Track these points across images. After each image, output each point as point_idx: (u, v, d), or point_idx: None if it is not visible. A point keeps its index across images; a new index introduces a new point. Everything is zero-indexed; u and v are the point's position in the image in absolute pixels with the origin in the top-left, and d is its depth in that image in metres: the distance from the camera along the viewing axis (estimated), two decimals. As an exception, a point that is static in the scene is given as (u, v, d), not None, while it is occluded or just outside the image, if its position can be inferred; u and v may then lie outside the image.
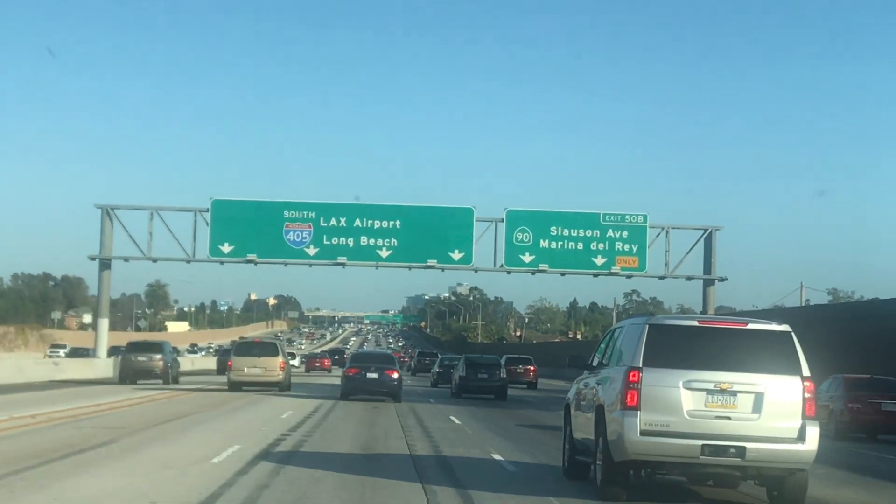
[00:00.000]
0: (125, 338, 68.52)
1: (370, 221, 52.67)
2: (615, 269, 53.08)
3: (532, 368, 56.90)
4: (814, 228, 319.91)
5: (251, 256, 52.69)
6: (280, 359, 38.71)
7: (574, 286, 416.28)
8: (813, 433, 11.87)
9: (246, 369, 38.19)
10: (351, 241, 52.49)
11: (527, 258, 53.28)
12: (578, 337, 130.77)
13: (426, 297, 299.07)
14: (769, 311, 47.46)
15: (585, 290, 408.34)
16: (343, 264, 53.03)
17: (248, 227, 52.33)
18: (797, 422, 11.85)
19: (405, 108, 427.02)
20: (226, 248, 52.53)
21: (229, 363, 39.30)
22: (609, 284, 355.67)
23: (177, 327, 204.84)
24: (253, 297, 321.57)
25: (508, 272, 54.25)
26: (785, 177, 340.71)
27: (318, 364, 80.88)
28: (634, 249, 53.22)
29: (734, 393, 11.84)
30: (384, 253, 52.67)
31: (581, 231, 53.36)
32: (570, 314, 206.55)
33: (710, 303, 54.67)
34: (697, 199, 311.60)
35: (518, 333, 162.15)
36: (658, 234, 54.18)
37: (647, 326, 12.28)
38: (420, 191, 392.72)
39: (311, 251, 52.71)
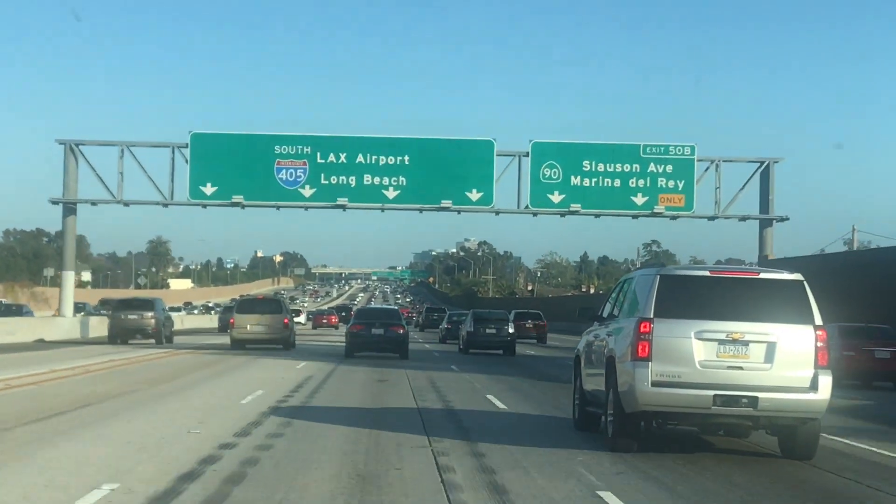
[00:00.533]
0: (123, 295, 71.38)
1: (375, 157, 54.30)
2: (658, 208, 54.61)
3: (542, 323, 63.26)
4: (866, 170, 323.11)
5: (237, 198, 54.42)
6: (284, 316, 43.43)
7: (585, 240, 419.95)
8: (826, 382, 14.12)
9: (249, 327, 42.86)
10: (353, 180, 54.24)
11: (556, 198, 54.67)
12: (592, 290, 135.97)
13: (434, 253, 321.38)
14: (778, 261, 49.99)
15: (597, 243, 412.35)
16: (343, 206, 54.75)
17: (233, 165, 54.06)
18: (809, 371, 14.09)
19: (413, 30, 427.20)
20: (208, 190, 54.34)
21: (231, 321, 43.96)
22: (623, 236, 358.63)
23: (180, 285, 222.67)
24: (260, 254, 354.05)
25: (535, 214, 55.84)
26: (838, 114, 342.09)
27: (325, 321, 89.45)
28: (680, 186, 54.62)
29: (746, 343, 14.08)
30: (391, 193, 54.37)
31: (619, 166, 54.64)
32: (581, 268, 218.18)
33: (768, 245, 55.97)
34: (749, 132, 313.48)
35: (530, 288, 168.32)
36: (707, 169, 55.70)
37: (658, 277, 14.53)
38: (432, 124, 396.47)
39: (307, 192, 54.39)
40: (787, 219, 56.86)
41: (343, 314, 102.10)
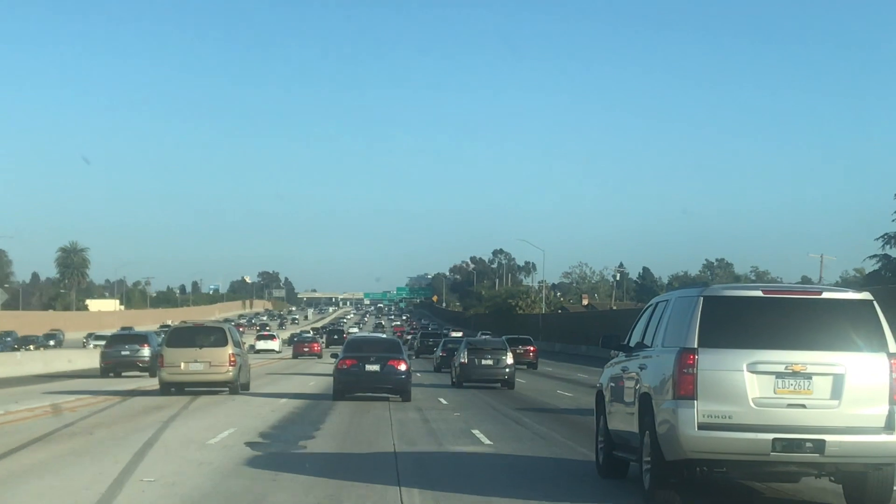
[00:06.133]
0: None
1: None
2: None
3: (532, 349, 65.55)
4: None
5: None
6: (229, 349, 34.70)
7: (615, 252, 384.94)
8: (904, 420, 11.94)
9: (183, 365, 34.37)
10: None
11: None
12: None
13: (430, 277, 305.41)
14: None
15: (632, 254, 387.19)
16: None
17: None
18: (884, 407, 11.97)
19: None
20: None
21: (160, 358, 35.31)
22: (665, 247, 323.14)
23: (102, 306, 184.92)
24: (247, 279, 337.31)
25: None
26: None
27: (306, 349, 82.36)
28: None
29: (809, 376, 11.95)
30: None
31: None
32: (620, 283, 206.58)
33: None
34: None
35: (585, 303, 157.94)
36: None
37: (702, 299, 12.32)
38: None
39: None
40: None
41: (335, 337, 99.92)
